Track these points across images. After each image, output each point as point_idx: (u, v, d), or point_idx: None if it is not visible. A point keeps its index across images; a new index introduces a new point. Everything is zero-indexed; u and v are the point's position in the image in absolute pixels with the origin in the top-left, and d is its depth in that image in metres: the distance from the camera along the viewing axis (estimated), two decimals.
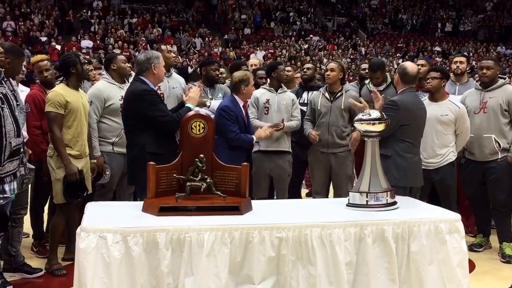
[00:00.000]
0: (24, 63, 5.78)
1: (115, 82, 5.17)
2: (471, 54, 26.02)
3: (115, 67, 5.19)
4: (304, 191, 8.02)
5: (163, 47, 5.64)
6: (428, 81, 5.24)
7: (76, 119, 4.57)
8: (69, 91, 4.58)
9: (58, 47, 20.94)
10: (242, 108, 5.05)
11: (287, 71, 6.29)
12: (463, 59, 6.28)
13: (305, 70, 6.34)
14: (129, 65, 5.36)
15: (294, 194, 6.01)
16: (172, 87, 5.46)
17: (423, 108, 4.70)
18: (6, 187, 3.72)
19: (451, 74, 6.25)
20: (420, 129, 4.64)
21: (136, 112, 4.24)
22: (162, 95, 5.31)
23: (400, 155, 4.46)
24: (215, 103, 5.41)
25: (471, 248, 5.27)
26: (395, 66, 22.76)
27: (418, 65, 5.35)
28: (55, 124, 4.48)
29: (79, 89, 4.80)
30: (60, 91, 4.56)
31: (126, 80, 5.31)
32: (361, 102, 4.35)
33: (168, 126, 4.25)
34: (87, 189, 4.63)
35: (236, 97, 5.01)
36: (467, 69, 6.18)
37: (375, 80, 5.84)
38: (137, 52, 21.66)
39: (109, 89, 5.10)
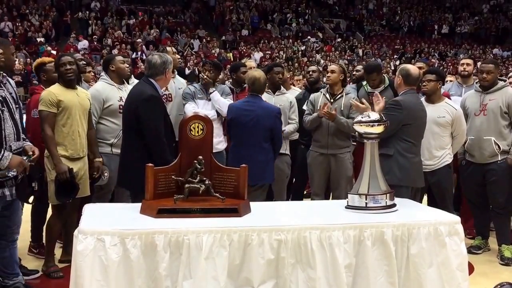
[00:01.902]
0: (22, 64, 5.76)
1: (113, 83, 5.15)
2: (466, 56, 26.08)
3: (113, 68, 5.17)
4: None
5: (168, 49, 5.67)
6: (424, 83, 5.23)
7: (70, 118, 4.54)
8: (63, 90, 4.57)
9: (54, 52, 20.69)
10: None
11: (280, 73, 5.99)
12: (470, 61, 6.26)
13: (310, 73, 6.35)
14: (127, 65, 5.33)
15: (297, 196, 6.01)
16: (178, 87, 5.54)
17: (423, 109, 4.72)
18: (7, 192, 3.74)
19: (458, 76, 6.24)
20: (421, 130, 4.65)
21: (136, 114, 4.18)
22: (169, 95, 5.35)
23: (402, 154, 4.47)
24: (215, 94, 5.43)
25: (470, 250, 5.25)
26: (392, 68, 22.79)
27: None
28: (46, 122, 4.46)
29: (78, 87, 4.77)
30: (53, 90, 4.56)
31: (125, 81, 5.29)
32: (362, 103, 4.33)
33: (153, 143, 4.15)
34: (78, 189, 4.54)
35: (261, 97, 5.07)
36: (474, 71, 6.14)
37: (371, 82, 5.82)
38: (134, 53, 21.71)
39: (107, 90, 5.08)
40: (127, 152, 4.38)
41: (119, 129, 4.95)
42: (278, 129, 4.96)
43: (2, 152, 3.61)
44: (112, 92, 5.08)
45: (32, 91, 5.03)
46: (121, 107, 4.96)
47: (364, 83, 6.06)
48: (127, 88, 5.19)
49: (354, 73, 6.59)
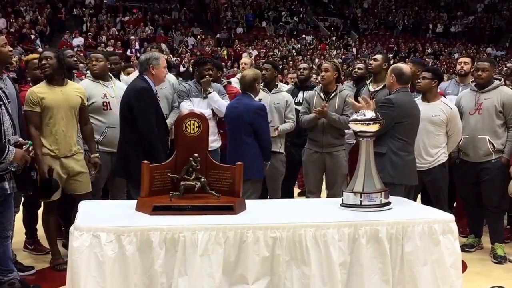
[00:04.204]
0: (16, 59, 5.73)
1: (97, 80, 5.10)
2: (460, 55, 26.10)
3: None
4: (296, 190, 8.02)
5: (153, 50, 5.66)
6: (418, 80, 5.28)
7: (52, 117, 4.51)
8: (47, 87, 4.54)
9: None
10: None
11: (266, 69, 5.89)
12: (467, 59, 6.23)
13: (301, 70, 6.35)
14: (94, 63, 5.18)
15: (287, 193, 6.02)
16: (160, 88, 5.43)
17: (417, 107, 4.74)
18: (6, 185, 3.77)
19: (453, 75, 6.23)
20: (414, 128, 4.67)
21: (129, 106, 4.39)
22: None
23: (395, 153, 4.49)
24: (215, 94, 5.45)
25: (463, 248, 5.22)
26: (400, 67, 22.74)
27: None
28: (30, 122, 4.47)
29: (70, 83, 4.74)
30: (35, 89, 4.54)
31: (112, 78, 5.24)
32: (359, 102, 4.37)
33: (145, 133, 4.33)
34: (57, 188, 4.51)
35: (252, 95, 5.11)
36: (472, 70, 6.12)
37: (372, 60, 5.92)
38: (129, 51, 21.67)
39: (91, 88, 5.04)
40: (123, 145, 4.51)
41: (104, 126, 4.97)
42: (257, 124, 4.96)
43: (8, 147, 3.63)
44: (96, 89, 5.04)
45: (19, 89, 5.00)
46: (104, 104, 4.98)
47: (368, 82, 6.07)
48: (116, 84, 5.18)
49: (356, 70, 6.58)
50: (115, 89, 5.14)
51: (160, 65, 4.51)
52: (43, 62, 4.53)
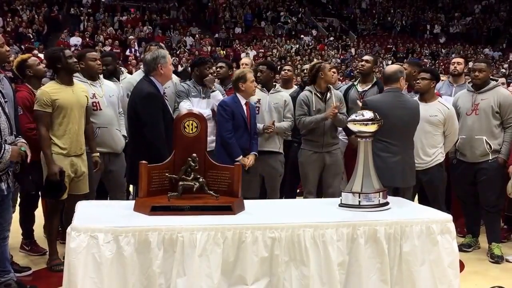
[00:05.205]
0: (13, 59, 5.69)
1: (86, 80, 5.05)
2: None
3: (83, 65, 5.04)
4: None
5: (152, 47, 5.63)
6: (417, 81, 5.28)
7: (66, 117, 4.51)
8: (59, 87, 4.53)
9: (41, 55, 20.40)
10: (244, 106, 5.13)
11: (288, 70, 6.23)
12: (460, 60, 6.28)
13: (305, 71, 6.35)
14: (98, 62, 5.14)
15: (291, 194, 6.02)
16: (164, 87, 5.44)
17: (403, 107, 4.68)
18: (3, 186, 3.76)
19: (450, 76, 6.26)
20: (397, 129, 4.60)
21: (136, 112, 4.27)
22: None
23: (377, 154, 4.45)
24: (218, 93, 5.49)
25: (460, 248, 5.22)
26: (385, 67, 22.83)
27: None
28: (41, 123, 4.45)
29: (76, 82, 4.72)
30: (47, 89, 4.52)
31: (99, 77, 5.18)
32: (348, 103, 4.41)
33: (152, 140, 4.19)
34: (65, 189, 4.52)
35: (237, 95, 5.12)
36: (465, 70, 6.14)
37: (364, 62, 5.98)
38: (128, 50, 21.62)
39: None
40: (133, 151, 4.42)
41: (95, 127, 4.94)
42: (217, 118, 5.24)
43: (4, 146, 3.63)
44: None
45: (16, 89, 4.97)
46: (94, 104, 4.96)
47: (356, 83, 6.09)
48: (104, 82, 5.14)
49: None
50: (103, 88, 5.12)
51: (168, 63, 4.35)
52: (76, 60, 4.58)
